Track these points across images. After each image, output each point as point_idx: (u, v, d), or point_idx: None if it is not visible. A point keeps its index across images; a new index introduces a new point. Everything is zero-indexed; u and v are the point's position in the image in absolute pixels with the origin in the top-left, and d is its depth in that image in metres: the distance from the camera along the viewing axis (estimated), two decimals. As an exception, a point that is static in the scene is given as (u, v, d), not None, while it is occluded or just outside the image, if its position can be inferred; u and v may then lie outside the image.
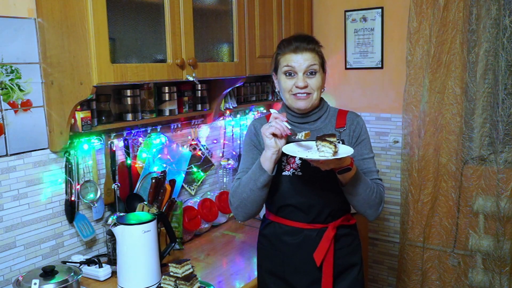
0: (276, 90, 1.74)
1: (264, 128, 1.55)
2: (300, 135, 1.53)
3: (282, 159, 1.65)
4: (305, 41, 1.63)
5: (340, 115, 1.73)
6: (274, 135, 1.53)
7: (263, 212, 1.85)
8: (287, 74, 1.63)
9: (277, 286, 1.74)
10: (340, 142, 1.66)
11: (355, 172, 1.55)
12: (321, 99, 1.73)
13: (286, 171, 1.66)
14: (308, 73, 1.61)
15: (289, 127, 1.53)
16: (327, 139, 1.45)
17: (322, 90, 1.69)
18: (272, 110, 1.61)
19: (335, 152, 1.43)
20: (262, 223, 1.83)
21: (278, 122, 1.52)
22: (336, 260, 1.68)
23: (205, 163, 2.59)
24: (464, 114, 2.56)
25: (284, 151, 1.52)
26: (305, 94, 1.62)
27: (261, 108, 2.98)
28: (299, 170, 1.65)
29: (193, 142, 2.50)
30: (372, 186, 1.61)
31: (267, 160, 1.56)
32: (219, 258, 2.15)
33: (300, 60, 1.60)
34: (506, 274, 2.50)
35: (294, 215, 1.68)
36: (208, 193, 2.61)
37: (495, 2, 2.39)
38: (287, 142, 1.59)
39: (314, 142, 1.49)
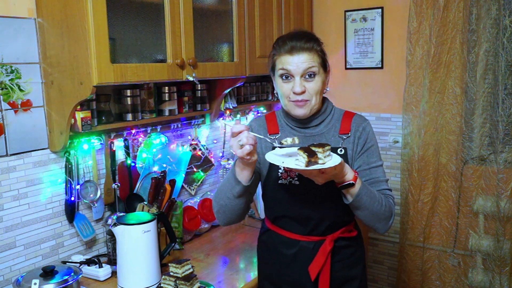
0: (275, 92, 1.61)
1: (235, 148, 1.35)
2: (289, 141, 1.40)
3: (279, 166, 1.54)
4: (302, 39, 1.48)
5: (345, 119, 1.59)
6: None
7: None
8: (284, 77, 1.50)
9: None
10: (342, 150, 1.54)
11: (360, 187, 1.42)
12: (325, 100, 1.61)
13: (283, 179, 1.56)
14: (306, 76, 1.47)
15: (258, 135, 1.42)
16: (312, 148, 1.34)
17: (325, 91, 1.55)
18: (230, 123, 1.40)
19: (309, 162, 1.31)
20: (261, 228, 1.77)
21: (248, 137, 1.34)
22: (334, 274, 1.59)
23: (205, 163, 2.59)
24: (464, 114, 2.56)
25: (266, 158, 1.40)
26: (303, 101, 1.49)
27: (261, 108, 2.98)
28: (296, 179, 1.54)
29: (193, 142, 2.50)
30: (380, 199, 1.48)
31: (243, 171, 1.44)
32: (219, 258, 2.15)
33: (296, 62, 1.45)
34: (506, 274, 2.50)
35: (290, 226, 1.60)
36: (208, 193, 2.61)
37: (495, 2, 2.39)
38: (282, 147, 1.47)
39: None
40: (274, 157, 1.40)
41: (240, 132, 1.35)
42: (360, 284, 1.67)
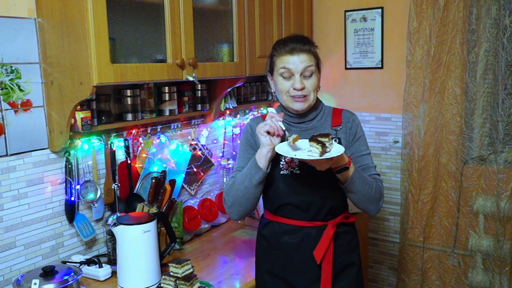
0: (272, 91, 1.75)
1: (259, 127, 1.57)
2: (290, 140, 1.54)
3: (280, 158, 1.66)
4: (301, 42, 1.63)
5: (335, 114, 1.75)
6: (268, 133, 1.55)
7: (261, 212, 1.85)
8: (284, 75, 1.63)
9: (276, 286, 1.74)
10: (336, 140, 1.66)
11: (353, 171, 1.57)
12: (317, 98, 1.74)
13: (284, 170, 1.67)
14: (305, 75, 1.62)
15: (283, 127, 1.57)
16: (319, 139, 1.46)
17: (318, 89, 1.70)
18: (269, 109, 1.64)
19: (322, 152, 1.44)
20: (260, 223, 1.82)
21: (274, 121, 1.55)
22: (336, 258, 1.69)
23: (205, 163, 2.59)
24: (464, 114, 2.56)
25: (276, 150, 1.54)
26: (302, 97, 1.63)
27: (261, 108, 2.98)
28: (297, 168, 1.66)
29: (193, 142, 2.50)
30: (371, 182, 1.64)
31: (262, 158, 1.58)
32: (219, 258, 2.15)
33: (296, 62, 1.60)
34: (506, 274, 2.50)
35: (293, 214, 1.69)
36: (208, 193, 2.61)
37: (495, 2, 2.40)
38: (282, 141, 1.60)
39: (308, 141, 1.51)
40: (286, 150, 1.53)
41: (271, 117, 1.57)
42: (358, 270, 1.78)
